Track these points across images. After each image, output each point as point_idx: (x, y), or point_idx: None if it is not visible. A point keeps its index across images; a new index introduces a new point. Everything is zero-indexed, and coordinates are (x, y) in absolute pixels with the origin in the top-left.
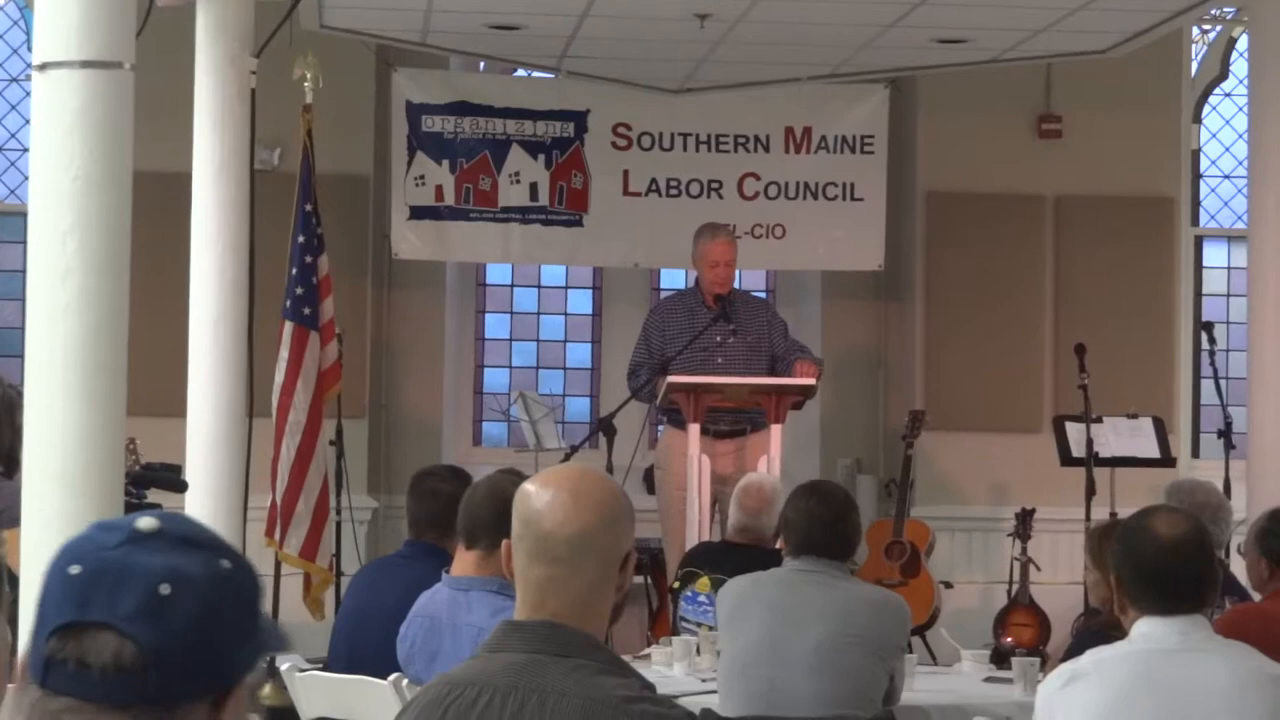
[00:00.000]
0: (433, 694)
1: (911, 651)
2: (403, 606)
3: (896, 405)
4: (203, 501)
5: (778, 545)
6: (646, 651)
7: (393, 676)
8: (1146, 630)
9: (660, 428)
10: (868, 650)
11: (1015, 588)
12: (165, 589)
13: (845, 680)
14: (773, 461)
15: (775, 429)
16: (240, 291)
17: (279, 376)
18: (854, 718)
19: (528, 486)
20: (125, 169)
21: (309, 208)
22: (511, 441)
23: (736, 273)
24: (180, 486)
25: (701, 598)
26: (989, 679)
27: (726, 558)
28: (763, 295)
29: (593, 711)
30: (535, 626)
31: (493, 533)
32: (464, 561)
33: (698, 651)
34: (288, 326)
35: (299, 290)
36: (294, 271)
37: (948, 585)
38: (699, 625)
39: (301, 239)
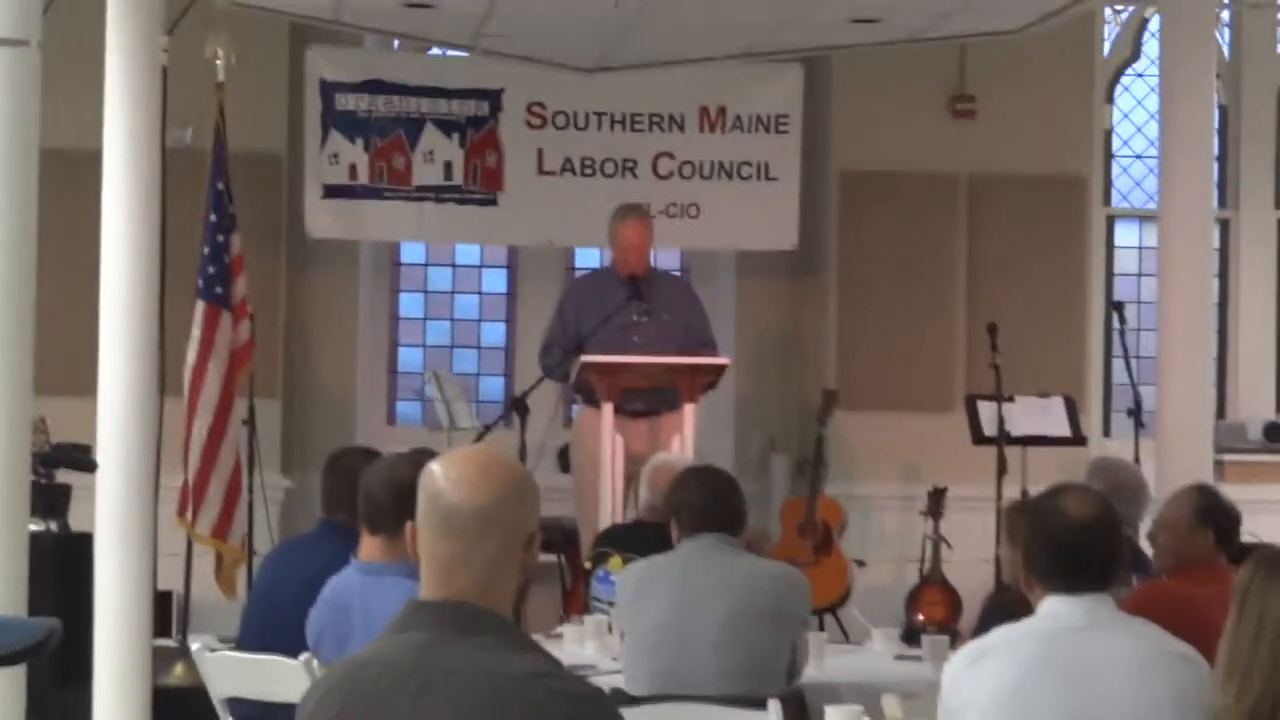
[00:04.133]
0: (338, 674)
1: (821, 629)
2: (314, 586)
3: (810, 384)
4: (113, 481)
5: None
6: (559, 630)
7: (304, 655)
8: (1053, 608)
9: (575, 406)
10: (770, 624)
11: (927, 566)
12: None
13: (749, 655)
14: (686, 441)
15: (689, 408)
16: (152, 270)
17: (191, 356)
18: (760, 694)
19: (433, 465)
20: (32, 147)
21: (221, 186)
22: (425, 420)
23: (652, 253)
24: (90, 466)
25: (614, 577)
26: (900, 657)
27: (638, 537)
28: (678, 275)
29: (500, 688)
30: (440, 605)
31: (393, 518)
32: (371, 546)
33: (610, 630)
34: (200, 305)
35: (211, 269)
36: (206, 250)
37: (860, 564)
38: (611, 604)
39: (214, 217)
